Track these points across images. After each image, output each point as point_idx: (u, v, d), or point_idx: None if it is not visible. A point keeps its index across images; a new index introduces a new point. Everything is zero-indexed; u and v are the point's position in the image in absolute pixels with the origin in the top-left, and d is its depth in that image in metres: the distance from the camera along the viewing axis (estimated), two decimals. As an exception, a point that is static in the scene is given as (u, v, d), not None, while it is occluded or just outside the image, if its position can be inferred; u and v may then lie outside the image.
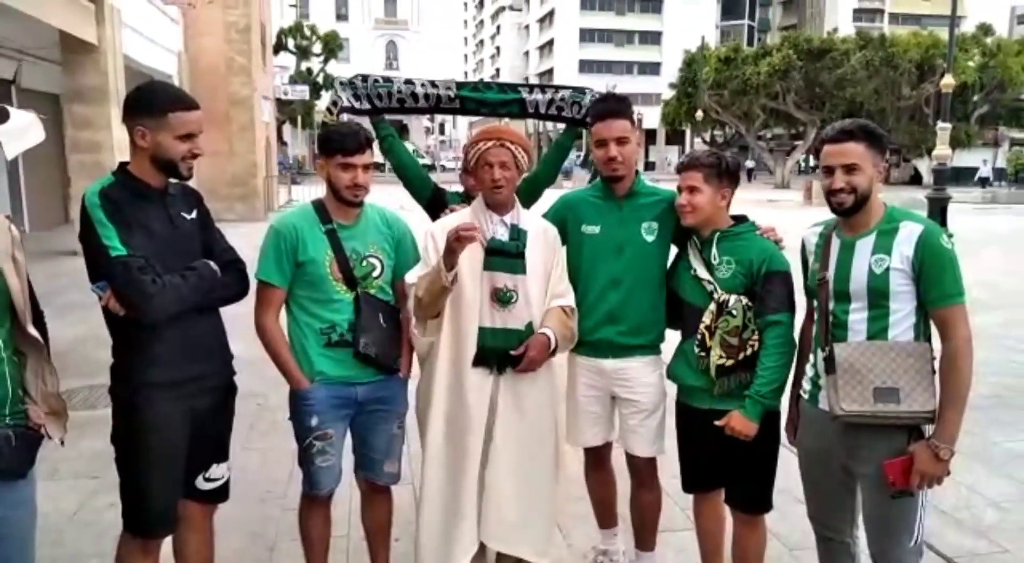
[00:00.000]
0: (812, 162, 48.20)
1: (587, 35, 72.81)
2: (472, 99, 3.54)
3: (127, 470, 2.43)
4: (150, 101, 2.35)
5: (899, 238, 2.31)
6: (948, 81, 16.41)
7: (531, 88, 3.57)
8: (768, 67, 36.62)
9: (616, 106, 2.96)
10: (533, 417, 2.77)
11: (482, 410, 2.71)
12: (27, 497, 2.23)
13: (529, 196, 3.30)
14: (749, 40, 61.30)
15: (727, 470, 2.82)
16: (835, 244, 2.45)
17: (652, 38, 72.99)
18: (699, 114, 37.92)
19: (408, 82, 3.53)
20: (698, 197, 2.74)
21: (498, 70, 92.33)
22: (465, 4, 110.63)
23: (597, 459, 3.22)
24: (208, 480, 2.60)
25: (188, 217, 2.49)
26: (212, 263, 2.46)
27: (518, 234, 2.74)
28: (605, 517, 3.32)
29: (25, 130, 5.81)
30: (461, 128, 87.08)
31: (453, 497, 2.74)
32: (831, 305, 2.43)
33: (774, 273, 2.69)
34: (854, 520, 2.60)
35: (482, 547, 2.82)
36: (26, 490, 2.22)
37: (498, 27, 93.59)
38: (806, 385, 2.58)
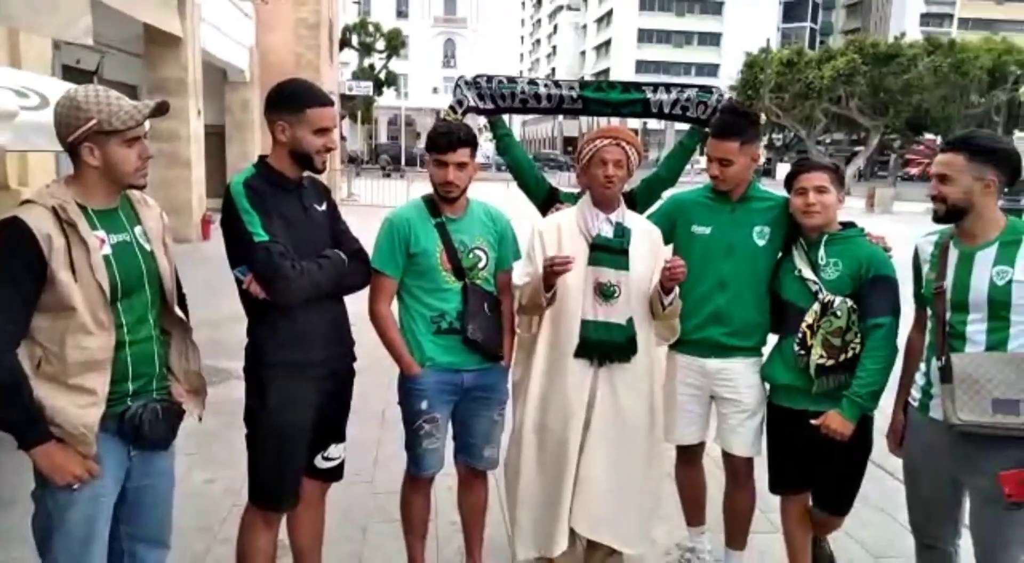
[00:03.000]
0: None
1: (645, 35, 72.50)
2: (595, 100, 3.59)
3: (258, 446, 2.54)
4: (290, 97, 2.46)
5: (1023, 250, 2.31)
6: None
7: (655, 87, 3.58)
8: (832, 71, 35.81)
9: (729, 126, 2.96)
10: (630, 410, 2.83)
11: (582, 401, 2.79)
12: (168, 467, 2.36)
13: (648, 195, 3.35)
14: (811, 43, 60.20)
15: (817, 472, 2.85)
16: (953, 254, 2.44)
17: (711, 39, 72.33)
18: (762, 117, 37.34)
19: (532, 83, 3.61)
20: (827, 197, 2.77)
21: (553, 69, 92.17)
22: (523, 3, 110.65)
23: (690, 457, 3.25)
24: (326, 459, 2.70)
25: (319, 208, 2.61)
26: (341, 253, 2.57)
27: (623, 232, 2.82)
28: (694, 515, 3.35)
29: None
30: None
31: (550, 486, 2.83)
32: (948, 315, 2.42)
33: (881, 277, 2.71)
34: (957, 529, 2.60)
35: (574, 536, 2.90)
36: (167, 461, 2.35)
37: (555, 26, 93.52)
38: (915, 393, 2.58)
